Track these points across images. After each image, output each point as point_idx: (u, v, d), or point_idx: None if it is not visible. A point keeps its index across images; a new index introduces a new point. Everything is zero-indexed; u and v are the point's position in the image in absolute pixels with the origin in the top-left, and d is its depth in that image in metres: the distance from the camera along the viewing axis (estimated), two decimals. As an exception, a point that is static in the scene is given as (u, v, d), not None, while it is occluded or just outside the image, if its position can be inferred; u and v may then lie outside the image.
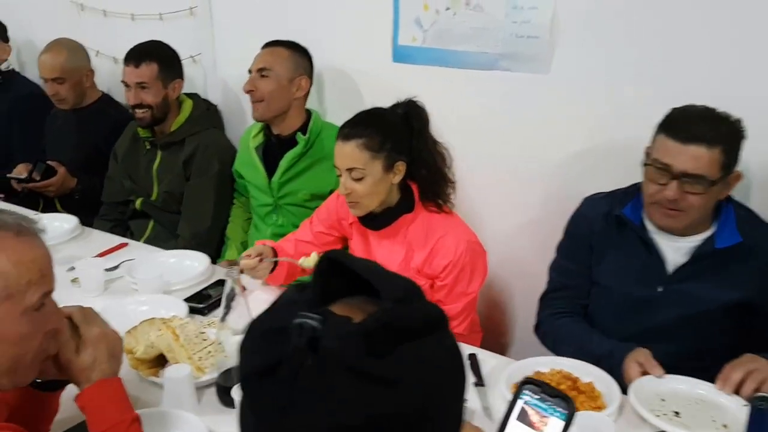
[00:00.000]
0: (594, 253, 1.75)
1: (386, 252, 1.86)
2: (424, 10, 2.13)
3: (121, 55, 2.93)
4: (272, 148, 2.37)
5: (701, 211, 1.57)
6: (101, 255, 2.18)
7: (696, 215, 1.57)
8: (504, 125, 2.12)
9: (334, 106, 2.48)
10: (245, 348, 0.66)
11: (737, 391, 1.41)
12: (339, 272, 0.66)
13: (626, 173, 1.72)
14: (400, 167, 1.78)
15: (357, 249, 1.95)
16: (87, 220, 2.48)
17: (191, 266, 2.07)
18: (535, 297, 1.87)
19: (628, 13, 1.85)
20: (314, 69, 2.35)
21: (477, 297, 1.87)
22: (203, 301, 1.86)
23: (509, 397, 1.11)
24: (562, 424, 0.90)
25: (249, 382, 0.64)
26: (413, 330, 0.62)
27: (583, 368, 1.51)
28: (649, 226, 1.66)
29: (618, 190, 1.75)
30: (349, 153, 1.75)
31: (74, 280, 1.94)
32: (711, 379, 1.46)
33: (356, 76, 2.41)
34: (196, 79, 2.76)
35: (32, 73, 3.24)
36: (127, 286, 1.97)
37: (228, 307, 1.44)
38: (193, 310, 1.81)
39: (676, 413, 1.41)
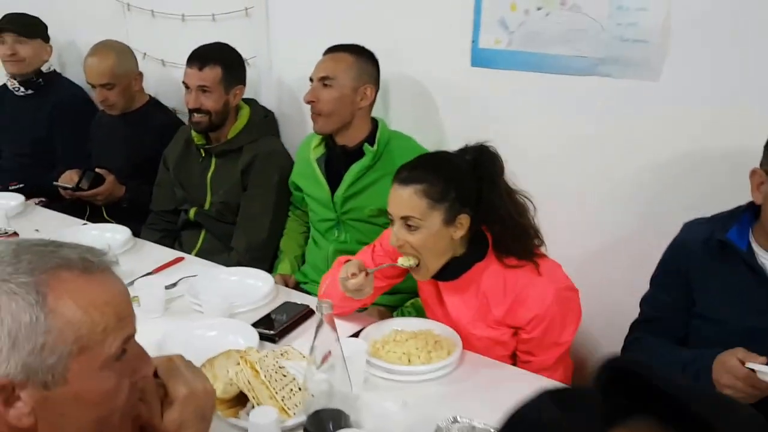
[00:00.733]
0: (694, 284, 1.58)
1: (459, 303, 1.64)
2: (511, 10, 1.95)
3: (170, 57, 2.82)
4: (335, 160, 2.20)
5: None
6: (157, 270, 2.03)
7: None
8: (600, 135, 1.94)
9: (401, 115, 2.31)
10: None
11: None
12: (626, 386, 0.48)
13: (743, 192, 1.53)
14: (463, 221, 1.54)
15: (429, 299, 1.72)
16: (134, 229, 2.34)
17: (254, 286, 1.91)
18: (624, 324, 1.71)
19: (754, 12, 1.65)
20: (380, 74, 2.18)
21: (570, 345, 1.64)
22: (272, 327, 1.69)
23: None
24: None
25: None
26: None
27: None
28: (758, 251, 1.48)
29: (719, 214, 1.57)
30: (405, 199, 1.52)
31: (134, 299, 1.78)
32: None
33: (427, 82, 2.24)
34: (249, 83, 2.59)
35: (74, 74, 3.11)
36: (188, 307, 1.82)
37: (317, 342, 1.27)
38: (262, 337, 1.64)
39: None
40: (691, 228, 1.60)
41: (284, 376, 1.39)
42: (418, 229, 1.52)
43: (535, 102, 1.99)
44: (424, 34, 2.18)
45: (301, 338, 1.68)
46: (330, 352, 1.26)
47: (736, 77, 1.71)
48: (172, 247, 2.37)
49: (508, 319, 1.58)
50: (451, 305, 1.65)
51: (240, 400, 1.35)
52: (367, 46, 2.15)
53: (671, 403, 0.45)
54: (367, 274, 1.61)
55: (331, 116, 2.11)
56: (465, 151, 1.58)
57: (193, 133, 2.45)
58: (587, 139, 1.96)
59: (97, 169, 2.64)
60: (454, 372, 1.52)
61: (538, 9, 1.90)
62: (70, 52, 3.18)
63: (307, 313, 1.78)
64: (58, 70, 3.10)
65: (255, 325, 1.68)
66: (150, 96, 2.82)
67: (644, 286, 1.68)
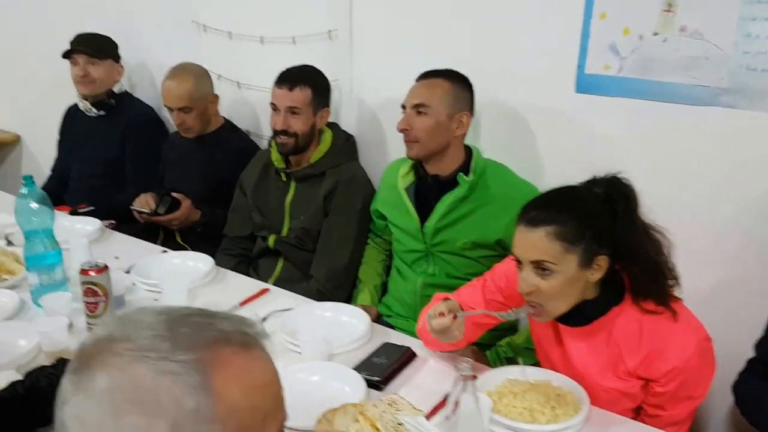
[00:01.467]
0: None
1: (586, 350, 1.51)
2: (624, 34, 1.84)
3: (246, 79, 2.77)
4: (426, 189, 2.10)
5: None
6: (244, 303, 1.96)
7: None
8: (721, 169, 1.81)
9: (493, 143, 2.19)
10: None
11: None
12: None
13: None
14: (601, 262, 1.41)
15: (545, 341, 1.60)
16: (209, 254, 2.26)
17: (350, 324, 1.82)
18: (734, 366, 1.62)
19: None
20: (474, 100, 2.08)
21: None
22: (376, 373, 1.59)
23: None
24: None
25: None
26: None
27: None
28: None
29: None
30: (536, 243, 1.39)
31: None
32: None
33: (524, 108, 2.13)
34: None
35: (144, 95, 3.09)
36: (282, 345, 1.73)
37: (455, 404, 1.17)
38: (368, 384, 1.54)
39: None
40: None
41: (404, 432, 1.30)
42: (552, 274, 1.39)
43: (648, 132, 1.87)
44: (522, 57, 2.07)
45: (406, 386, 1.58)
46: (456, 405, 1.17)
47: None
48: (247, 273, 2.31)
49: (641, 371, 1.45)
50: (574, 351, 1.52)
51: (361, 460, 1.26)
52: (460, 69, 2.05)
53: None
54: (455, 317, 1.49)
55: (425, 144, 2.02)
56: (593, 183, 1.45)
57: (273, 157, 2.39)
58: (706, 172, 1.83)
59: (173, 194, 2.59)
60: (582, 431, 1.40)
61: (655, 34, 1.79)
62: (140, 72, 3.16)
63: (409, 356, 1.68)
64: (129, 91, 3.08)
65: (357, 369, 1.59)
66: (225, 119, 2.77)
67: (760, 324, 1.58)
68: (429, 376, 1.62)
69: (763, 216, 1.79)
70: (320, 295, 2.16)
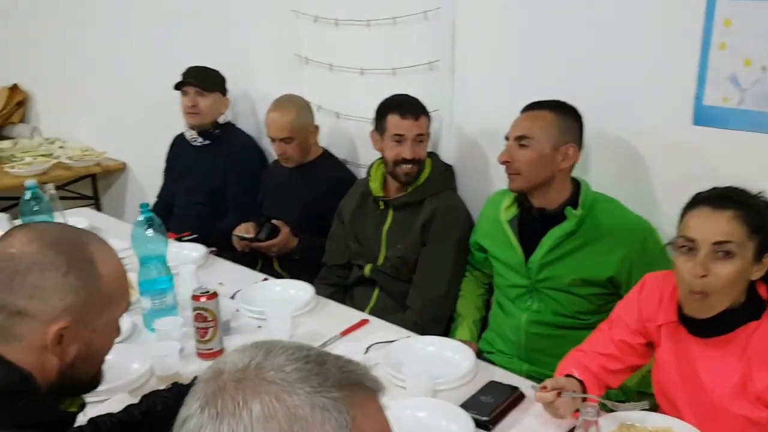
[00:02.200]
0: None
1: (715, 366, 1.45)
2: (745, 65, 1.76)
3: (345, 109, 2.81)
4: (530, 223, 2.05)
5: None
6: (344, 333, 1.96)
7: None
8: None
9: (601, 175, 2.12)
10: None
11: None
12: None
13: None
14: (766, 262, 1.41)
15: (667, 360, 1.54)
16: (306, 282, 2.29)
17: (454, 359, 1.79)
18: None
19: None
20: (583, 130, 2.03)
21: None
22: (484, 412, 1.55)
23: None
24: None
25: None
26: None
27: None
28: None
29: None
30: (722, 225, 1.38)
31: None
32: None
33: (639, 141, 2.05)
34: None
35: (246, 125, 3.19)
36: (386, 378, 1.70)
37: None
38: (476, 424, 1.50)
39: None
40: None
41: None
42: (732, 258, 1.37)
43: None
44: (634, 87, 2.01)
45: (515, 427, 1.54)
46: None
47: None
48: (343, 302, 2.32)
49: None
50: (702, 367, 1.46)
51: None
52: (569, 100, 2.00)
53: None
54: (559, 394, 1.45)
55: (528, 176, 1.99)
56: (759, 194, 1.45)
57: (372, 185, 2.41)
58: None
59: (273, 221, 2.65)
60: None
61: (781, 65, 1.69)
62: (243, 102, 3.26)
63: (517, 397, 1.63)
64: (232, 121, 3.19)
65: (465, 407, 1.55)
66: (323, 148, 2.82)
67: None
68: (538, 419, 1.56)
69: None
70: (416, 327, 2.14)
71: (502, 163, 2.02)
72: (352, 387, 0.70)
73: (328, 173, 2.75)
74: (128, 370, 1.69)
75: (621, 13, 2.01)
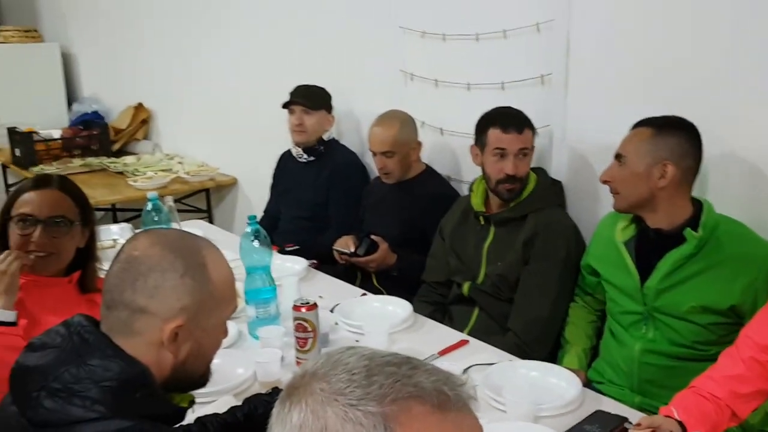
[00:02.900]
0: None
1: None
2: None
3: (449, 125, 2.78)
4: (647, 245, 1.92)
5: None
6: (443, 353, 1.91)
7: None
8: None
9: (723, 196, 1.96)
10: None
11: None
12: None
13: None
14: None
15: None
16: (404, 299, 2.26)
17: (558, 386, 1.70)
18: None
19: None
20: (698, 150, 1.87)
21: None
22: (592, 444, 1.45)
23: None
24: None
25: None
26: None
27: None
28: None
29: None
30: None
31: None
32: None
33: (761, 160, 1.89)
34: (538, 152, 2.39)
35: (349, 141, 3.23)
36: (485, 401, 1.63)
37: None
38: (581, 454, 1.41)
39: None
40: None
41: None
42: None
43: None
44: (756, 102, 1.86)
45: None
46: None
47: None
48: (442, 321, 2.27)
49: None
50: None
51: None
52: (688, 118, 1.87)
53: None
54: None
55: (624, 196, 1.90)
56: None
57: (473, 200, 2.36)
58: None
59: (372, 236, 2.65)
60: None
61: None
62: (348, 118, 3.31)
63: (624, 428, 1.52)
64: (336, 137, 3.24)
65: (569, 437, 1.46)
66: (426, 165, 2.80)
67: None
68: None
69: None
70: (518, 350, 2.06)
71: (603, 182, 1.95)
72: (402, 401, 0.68)
73: (430, 189, 2.72)
74: (233, 374, 1.75)
75: (753, 31, 1.87)
